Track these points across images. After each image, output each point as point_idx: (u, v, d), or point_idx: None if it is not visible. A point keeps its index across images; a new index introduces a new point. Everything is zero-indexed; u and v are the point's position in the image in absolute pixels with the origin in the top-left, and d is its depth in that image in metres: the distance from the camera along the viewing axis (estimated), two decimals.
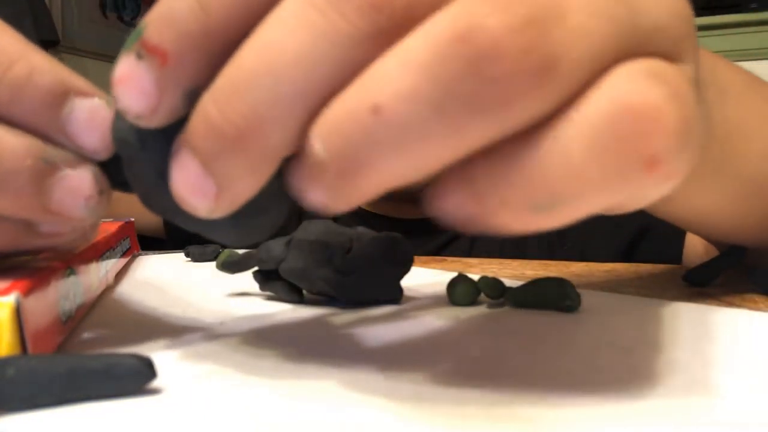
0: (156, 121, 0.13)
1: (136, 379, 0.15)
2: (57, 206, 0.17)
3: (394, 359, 0.18)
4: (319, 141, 0.12)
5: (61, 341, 0.19)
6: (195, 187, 0.13)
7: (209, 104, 0.12)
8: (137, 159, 0.16)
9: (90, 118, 0.17)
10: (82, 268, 0.23)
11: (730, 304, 0.26)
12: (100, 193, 0.17)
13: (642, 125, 0.11)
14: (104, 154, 0.17)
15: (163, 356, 0.19)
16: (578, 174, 0.11)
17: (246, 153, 0.12)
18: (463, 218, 0.13)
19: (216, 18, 0.12)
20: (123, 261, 0.38)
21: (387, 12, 0.11)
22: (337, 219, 0.67)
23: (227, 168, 0.13)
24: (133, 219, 0.46)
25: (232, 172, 0.13)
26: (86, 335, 0.21)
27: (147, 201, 0.17)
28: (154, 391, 0.16)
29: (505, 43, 0.11)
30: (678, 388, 0.16)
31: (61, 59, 2.40)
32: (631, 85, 0.12)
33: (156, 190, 0.15)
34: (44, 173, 0.17)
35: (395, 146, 0.11)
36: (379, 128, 0.11)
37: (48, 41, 2.08)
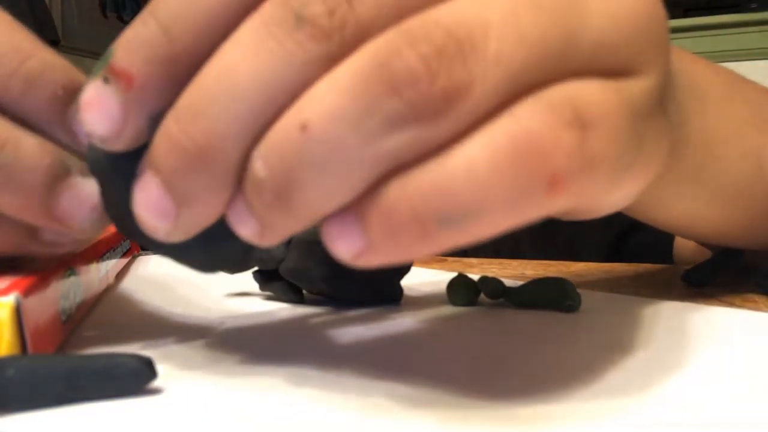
0: (121, 144, 0.14)
1: (136, 379, 0.15)
2: (62, 213, 0.17)
3: (394, 359, 0.18)
4: (259, 160, 0.13)
5: (61, 341, 0.19)
6: (154, 206, 0.14)
7: (171, 122, 0.13)
8: (108, 183, 0.16)
9: None
10: (83, 269, 0.23)
11: (730, 304, 0.26)
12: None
13: (539, 147, 0.12)
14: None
15: (163, 356, 0.19)
16: (482, 189, 0.12)
17: (204, 170, 0.13)
18: (355, 248, 0.13)
19: (179, 44, 0.13)
20: (123, 261, 0.38)
21: (336, 39, 0.12)
22: None
23: (186, 185, 0.13)
24: None
25: (190, 189, 0.13)
26: (86, 335, 0.21)
27: (119, 226, 0.17)
28: (154, 391, 0.16)
29: (418, 68, 0.12)
30: (678, 389, 0.16)
31: None
32: (534, 115, 0.12)
33: (126, 214, 0.15)
34: (58, 176, 0.17)
35: (321, 163, 0.12)
36: (307, 145, 0.12)
37: (48, 41, 2.08)
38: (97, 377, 0.15)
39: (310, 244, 0.25)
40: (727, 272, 0.31)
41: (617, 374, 0.17)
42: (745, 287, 0.30)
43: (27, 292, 0.16)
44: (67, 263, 0.21)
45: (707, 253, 0.35)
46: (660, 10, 0.15)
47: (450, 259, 0.45)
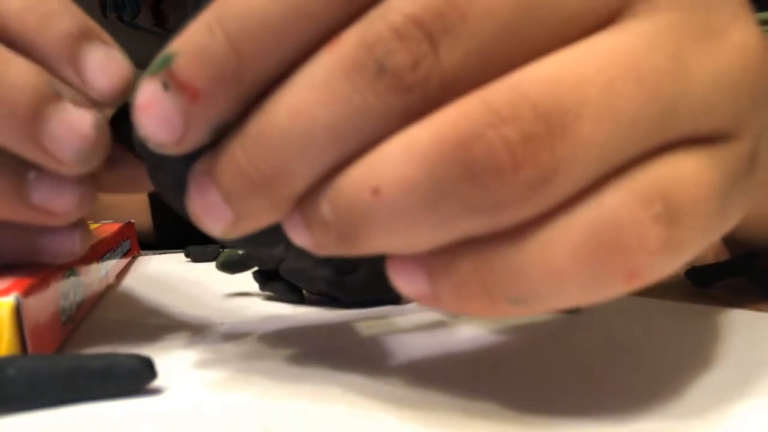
0: (178, 150, 0.14)
1: (136, 379, 0.15)
2: (50, 140, 0.16)
3: (394, 359, 0.18)
4: (327, 204, 0.13)
5: (61, 341, 0.19)
6: (212, 212, 0.14)
7: (238, 150, 0.13)
8: (157, 164, 0.16)
9: (105, 63, 0.18)
10: (83, 269, 0.23)
11: (731, 305, 0.26)
12: (97, 140, 0.17)
13: (623, 242, 0.11)
14: (109, 100, 0.18)
15: (163, 356, 0.19)
16: (558, 277, 0.12)
17: (266, 197, 0.13)
18: (418, 291, 0.13)
19: (249, 64, 0.12)
20: (123, 262, 0.38)
21: (418, 93, 0.11)
22: None
23: (247, 206, 0.13)
24: (133, 221, 0.46)
25: (251, 209, 0.13)
26: (86, 335, 0.21)
27: (165, 200, 0.17)
28: (154, 391, 0.15)
29: (502, 156, 0.11)
30: (678, 389, 0.16)
31: None
32: (619, 205, 0.12)
33: (172, 194, 0.16)
34: (47, 98, 0.16)
35: (389, 226, 0.12)
36: (377, 208, 0.12)
37: None
38: (97, 377, 0.15)
39: None
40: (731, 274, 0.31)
41: (617, 374, 0.17)
42: (746, 287, 0.30)
43: (27, 292, 0.16)
44: (67, 264, 0.21)
45: (718, 258, 0.35)
46: (765, 64, 0.13)
47: None
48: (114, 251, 0.33)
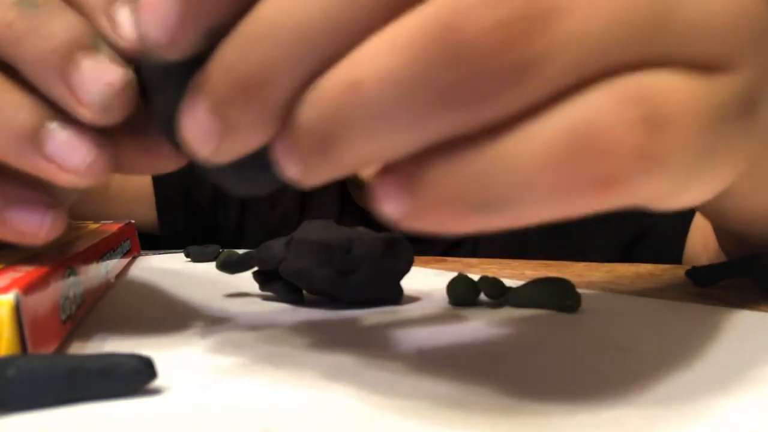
0: (174, 53, 0.14)
1: (136, 379, 0.15)
2: (77, 81, 0.17)
3: (394, 359, 0.18)
4: (307, 105, 0.12)
5: (61, 340, 0.19)
6: (200, 128, 0.14)
7: (227, 49, 0.13)
8: (159, 90, 0.16)
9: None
10: (83, 268, 0.23)
11: (731, 305, 0.26)
12: (122, 93, 0.17)
13: (598, 144, 0.11)
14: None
15: (163, 356, 0.18)
16: (525, 182, 0.11)
17: (252, 102, 0.13)
18: (400, 210, 0.13)
19: None
20: (124, 261, 0.38)
21: None
22: (338, 220, 0.67)
23: (234, 114, 0.13)
24: (133, 221, 0.46)
25: (238, 119, 0.13)
26: (86, 335, 0.21)
27: (165, 134, 0.17)
28: (154, 391, 0.16)
29: (488, 37, 0.10)
30: (678, 389, 0.16)
31: None
32: (601, 105, 0.11)
33: (170, 123, 0.16)
34: (84, 44, 0.17)
35: (370, 125, 0.12)
36: (356, 104, 0.12)
37: None
38: (97, 377, 0.15)
39: (310, 244, 0.25)
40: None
41: (617, 375, 0.17)
42: (746, 287, 0.30)
43: (27, 290, 0.16)
44: (67, 263, 0.21)
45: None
46: (763, 6, 0.13)
47: (450, 259, 0.45)
48: (114, 251, 0.33)
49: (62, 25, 0.17)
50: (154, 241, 0.61)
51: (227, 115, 0.13)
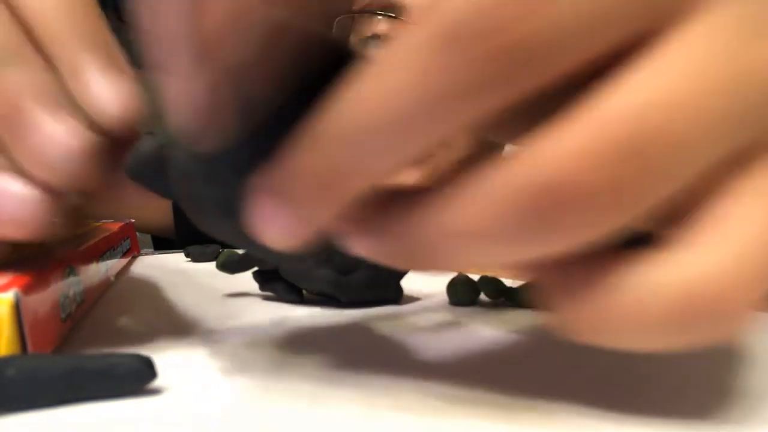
0: (211, 139, 0.13)
1: (136, 379, 0.15)
2: (35, 136, 0.16)
3: (394, 359, 0.18)
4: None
5: (61, 339, 0.19)
6: (275, 223, 0.13)
7: (305, 150, 0.12)
8: (197, 191, 0.15)
9: (109, 90, 0.17)
10: (82, 268, 0.23)
11: None
12: (78, 156, 0.16)
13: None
14: (114, 125, 0.17)
15: (163, 356, 0.18)
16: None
17: (330, 199, 0.12)
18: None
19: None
20: (123, 261, 0.38)
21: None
22: None
23: (313, 211, 0.13)
24: (133, 220, 0.46)
25: (317, 214, 0.13)
26: (86, 335, 0.21)
27: (206, 228, 0.16)
28: (154, 391, 0.15)
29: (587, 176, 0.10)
30: (678, 389, 0.16)
31: None
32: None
33: (217, 219, 0.15)
34: (44, 102, 0.16)
35: (463, 253, 0.12)
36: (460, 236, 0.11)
37: None
38: (97, 377, 0.15)
39: None
40: None
41: (617, 374, 0.17)
42: None
43: (26, 289, 0.16)
44: (67, 262, 0.21)
45: None
46: None
47: None
48: (114, 250, 0.33)
49: (22, 79, 0.16)
50: (170, 243, 0.61)
51: (306, 212, 0.13)
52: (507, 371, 0.17)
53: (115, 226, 0.38)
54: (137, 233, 0.46)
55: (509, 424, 0.14)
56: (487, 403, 0.15)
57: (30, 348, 0.16)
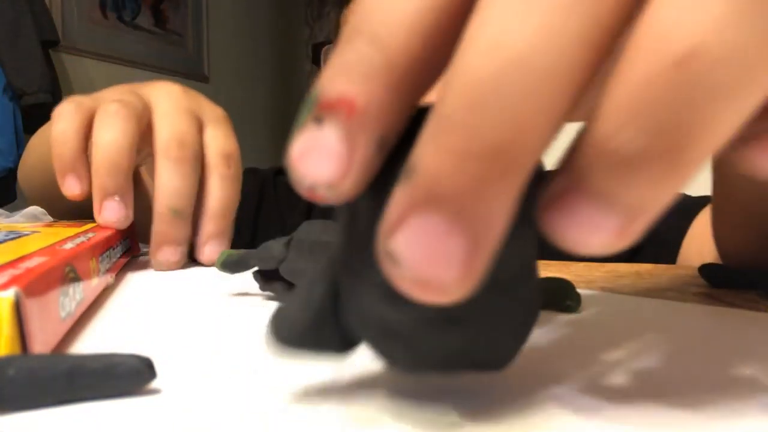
0: (350, 184, 0.11)
1: (136, 379, 0.15)
2: (103, 212, 0.39)
3: None
4: (624, 131, 0.10)
5: (61, 338, 0.19)
6: (439, 252, 0.10)
7: (440, 136, 0.10)
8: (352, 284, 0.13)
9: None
10: (82, 267, 0.23)
11: (731, 305, 0.26)
12: (126, 220, 0.39)
13: None
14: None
15: (163, 356, 0.18)
16: None
17: (503, 178, 0.10)
18: None
19: (394, 49, 0.11)
20: (123, 261, 0.38)
21: None
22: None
23: (487, 206, 0.10)
24: (132, 220, 0.46)
25: (491, 209, 0.10)
26: (86, 335, 0.21)
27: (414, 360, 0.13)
28: (154, 391, 0.15)
29: None
30: (678, 389, 0.16)
31: (61, 59, 2.41)
32: None
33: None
34: (107, 194, 0.39)
35: (719, 86, 0.09)
36: (694, 77, 0.09)
37: (48, 41, 2.08)
38: (97, 377, 0.15)
39: (310, 244, 0.25)
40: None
41: (617, 375, 0.17)
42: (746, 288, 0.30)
43: (27, 288, 0.16)
44: (66, 260, 0.21)
45: None
46: None
47: None
48: (114, 249, 0.33)
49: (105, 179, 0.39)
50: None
51: (476, 213, 0.10)
52: (506, 371, 0.17)
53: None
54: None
55: (509, 423, 0.14)
56: (486, 403, 0.15)
57: (30, 347, 0.16)
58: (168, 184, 0.40)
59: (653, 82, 0.09)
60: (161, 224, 0.40)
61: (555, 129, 0.10)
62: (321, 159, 0.11)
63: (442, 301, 0.10)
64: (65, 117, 0.41)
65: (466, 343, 0.13)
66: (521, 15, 0.10)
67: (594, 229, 0.10)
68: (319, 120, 0.11)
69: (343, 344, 0.14)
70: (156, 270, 0.40)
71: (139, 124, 0.40)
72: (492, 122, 0.10)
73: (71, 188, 0.40)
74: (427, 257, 0.10)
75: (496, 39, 0.10)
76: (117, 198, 0.39)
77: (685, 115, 0.09)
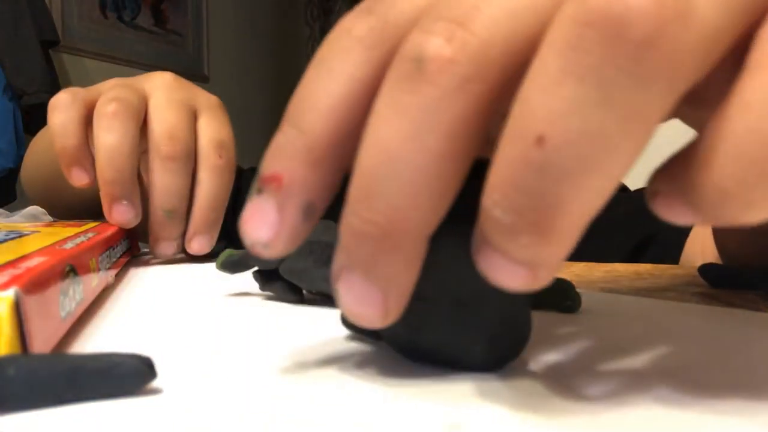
0: (282, 245, 0.14)
1: (136, 379, 0.15)
2: (113, 213, 0.41)
3: (394, 359, 0.18)
4: (496, 209, 0.11)
5: (61, 338, 0.19)
6: (362, 299, 0.13)
7: (349, 216, 0.13)
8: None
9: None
10: (82, 267, 0.23)
11: (730, 305, 0.26)
12: (135, 220, 0.42)
13: None
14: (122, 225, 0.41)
15: (163, 356, 0.18)
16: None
17: (396, 249, 0.13)
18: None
19: (312, 134, 0.14)
20: (123, 260, 0.38)
21: (465, 63, 0.12)
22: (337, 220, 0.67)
23: (385, 268, 0.13)
24: (141, 216, 0.47)
25: (390, 270, 0.13)
26: (86, 335, 0.21)
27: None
28: (154, 391, 0.15)
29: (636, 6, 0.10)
30: (678, 389, 0.16)
31: (61, 59, 2.40)
32: None
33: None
34: (115, 199, 0.41)
35: (582, 167, 0.11)
36: (551, 158, 0.11)
37: (48, 41, 2.08)
38: (97, 377, 0.15)
39: (310, 244, 0.25)
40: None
41: (616, 374, 0.17)
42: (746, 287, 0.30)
43: (26, 287, 0.16)
44: (66, 261, 0.21)
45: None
46: None
47: None
48: (113, 249, 0.33)
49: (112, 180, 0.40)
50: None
51: (379, 273, 0.13)
52: (506, 372, 0.17)
53: (114, 226, 0.38)
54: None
55: (508, 423, 0.14)
56: (486, 403, 0.15)
57: (30, 347, 0.16)
58: (160, 184, 0.42)
59: (513, 164, 0.11)
60: (155, 224, 0.42)
61: (439, 207, 0.12)
62: (260, 222, 0.14)
63: (375, 326, 0.14)
64: (63, 108, 0.41)
65: (435, 346, 0.17)
66: (394, 117, 0.12)
67: (508, 275, 0.12)
68: (259, 191, 0.14)
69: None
70: (157, 258, 0.44)
71: (138, 122, 0.41)
72: (378, 208, 0.12)
73: (79, 179, 0.42)
74: (355, 301, 0.13)
75: (375, 138, 0.12)
76: (125, 202, 0.40)
77: (541, 195, 0.11)
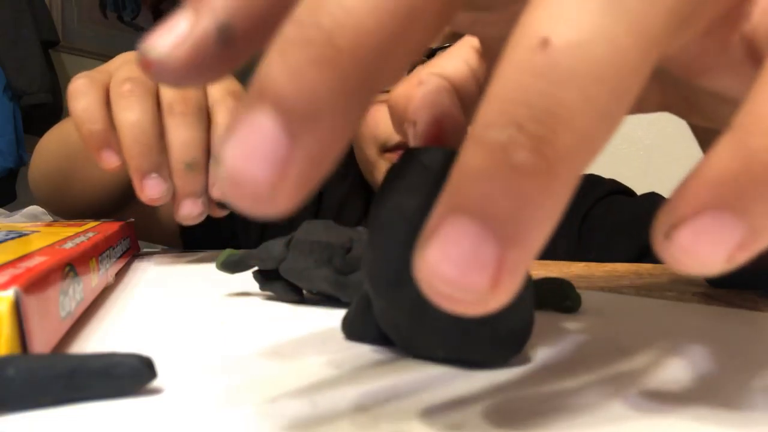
0: (183, 58, 0.12)
1: (136, 379, 0.15)
2: (145, 187, 0.41)
3: (394, 359, 0.18)
4: (488, 131, 0.09)
5: (61, 337, 0.19)
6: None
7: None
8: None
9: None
10: (82, 266, 0.23)
11: (730, 304, 0.26)
12: (164, 197, 0.41)
13: None
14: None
15: (163, 356, 0.18)
16: None
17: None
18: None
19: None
20: (123, 260, 0.38)
21: None
22: (337, 220, 0.67)
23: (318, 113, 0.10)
24: (132, 219, 0.47)
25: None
26: (86, 335, 0.21)
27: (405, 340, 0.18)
28: (154, 391, 0.15)
29: None
30: (678, 389, 0.16)
31: (61, 59, 2.40)
32: None
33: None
34: (144, 172, 0.40)
35: (589, 70, 0.09)
36: (561, 57, 0.09)
37: (48, 41, 2.08)
38: (97, 377, 0.15)
39: (310, 244, 0.25)
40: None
41: (617, 375, 0.17)
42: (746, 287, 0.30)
43: (26, 287, 0.16)
44: (66, 261, 0.21)
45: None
46: None
47: None
48: (114, 249, 0.33)
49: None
50: (197, 244, 0.63)
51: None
52: (506, 372, 0.17)
53: (114, 226, 0.38)
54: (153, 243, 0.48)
55: (508, 424, 0.14)
56: (485, 403, 0.15)
57: (30, 346, 0.16)
58: (177, 139, 0.41)
59: (514, 74, 0.09)
60: (177, 179, 0.41)
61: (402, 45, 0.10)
62: (165, 31, 0.12)
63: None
64: (84, 93, 0.41)
65: (438, 341, 0.17)
66: None
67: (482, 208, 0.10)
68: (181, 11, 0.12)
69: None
70: (183, 224, 0.43)
71: (154, 97, 0.41)
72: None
73: (110, 161, 0.41)
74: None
75: None
76: (155, 175, 0.40)
77: (544, 104, 0.09)
